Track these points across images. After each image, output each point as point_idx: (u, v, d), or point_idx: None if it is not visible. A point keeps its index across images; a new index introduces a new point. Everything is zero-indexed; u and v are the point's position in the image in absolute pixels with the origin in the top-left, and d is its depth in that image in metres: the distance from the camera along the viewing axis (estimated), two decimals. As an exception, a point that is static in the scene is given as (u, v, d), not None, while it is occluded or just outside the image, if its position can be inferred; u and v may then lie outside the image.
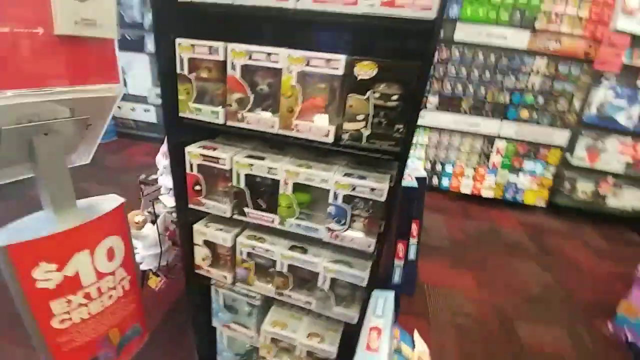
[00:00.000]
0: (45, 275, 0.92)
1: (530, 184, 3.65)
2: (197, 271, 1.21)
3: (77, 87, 0.80)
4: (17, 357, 1.61)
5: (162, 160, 1.53)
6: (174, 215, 1.85)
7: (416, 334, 1.52)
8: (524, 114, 3.53)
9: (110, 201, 1.11)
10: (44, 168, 0.87)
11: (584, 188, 3.51)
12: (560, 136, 3.48)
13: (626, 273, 2.81)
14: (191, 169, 1.04)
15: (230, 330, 1.34)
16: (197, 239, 1.16)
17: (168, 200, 1.53)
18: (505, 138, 3.63)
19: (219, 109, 0.94)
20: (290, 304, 1.33)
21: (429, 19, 0.73)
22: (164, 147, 1.54)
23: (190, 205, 1.09)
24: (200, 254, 1.18)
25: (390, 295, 1.15)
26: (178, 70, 0.93)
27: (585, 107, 3.33)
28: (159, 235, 1.68)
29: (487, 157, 3.74)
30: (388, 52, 0.83)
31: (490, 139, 3.68)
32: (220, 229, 1.14)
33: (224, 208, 1.06)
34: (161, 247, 1.75)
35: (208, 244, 1.17)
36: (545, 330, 2.14)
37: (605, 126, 3.34)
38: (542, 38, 3.28)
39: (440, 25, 0.73)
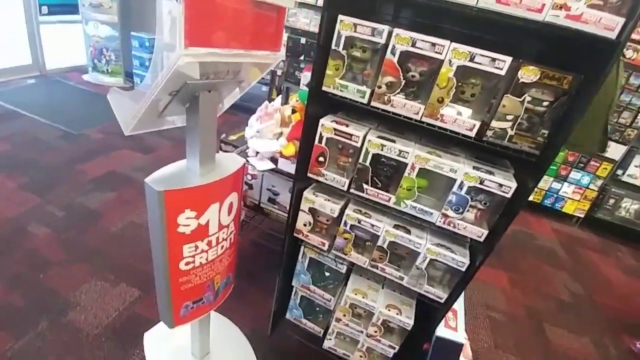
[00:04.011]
0: (186, 221, 1.02)
1: (573, 194, 3.63)
2: (295, 235, 1.31)
3: (253, 51, 0.85)
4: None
5: (256, 124, 1.59)
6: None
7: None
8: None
9: (231, 160, 1.19)
10: (202, 122, 0.94)
11: (628, 206, 3.49)
12: (615, 150, 3.41)
13: (657, 295, 2.88)
14: (320, 141, 1.09)
15: (309, 291, 1.46)
16: (304, 206, 1.24)
17: (258, 164, 1.61)
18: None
19: (366, 88, 0.98)
20: (367, 276, 1.44)
21: (609, 39, 0.75)
22: (261, 111, 1.60)
23: (309, 175, 1.16)
24: (303, 219, 1.26)
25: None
26: (333, 46, 0.96)
27: (650, 125, 3.24)
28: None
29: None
30: (546, 59, 0.85)
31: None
32: (328, 200, 1.22)
33: (342, 181, 1.13)
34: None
35: (312, 211, 1.25)
36: (572, 336, 2.24)
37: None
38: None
39: (622, 47, 0.75)
